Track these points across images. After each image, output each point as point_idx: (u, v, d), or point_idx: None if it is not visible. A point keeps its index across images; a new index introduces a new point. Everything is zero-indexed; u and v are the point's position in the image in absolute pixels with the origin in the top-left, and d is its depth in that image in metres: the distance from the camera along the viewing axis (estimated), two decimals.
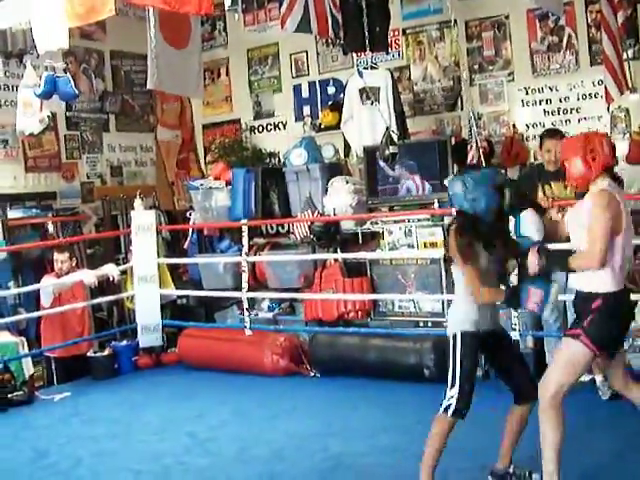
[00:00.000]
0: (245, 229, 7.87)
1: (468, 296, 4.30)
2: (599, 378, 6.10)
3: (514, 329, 6.46)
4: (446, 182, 4.86)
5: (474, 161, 7.27)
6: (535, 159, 7.93)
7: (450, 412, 4.22)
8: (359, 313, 7.56)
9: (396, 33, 8.81)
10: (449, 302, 6.92)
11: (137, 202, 8.56)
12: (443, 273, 7.03)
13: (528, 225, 4.36)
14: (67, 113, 9.51)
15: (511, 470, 4.46)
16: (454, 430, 4.22)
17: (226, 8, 6.29)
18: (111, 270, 8.09)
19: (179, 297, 8.98)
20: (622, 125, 7.85)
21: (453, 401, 4.22)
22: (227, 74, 10.33)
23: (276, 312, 8.30)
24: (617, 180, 4.30)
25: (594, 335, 4.13)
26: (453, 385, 4.24)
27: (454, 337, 4.33)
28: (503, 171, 6.47)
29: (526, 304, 4.14)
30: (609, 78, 7.26)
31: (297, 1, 6.90)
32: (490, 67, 8.50)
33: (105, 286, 8.42)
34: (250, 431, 5.95)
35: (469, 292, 4.27)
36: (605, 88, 7.37)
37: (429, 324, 7.26)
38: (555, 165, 6.26)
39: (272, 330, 7.96)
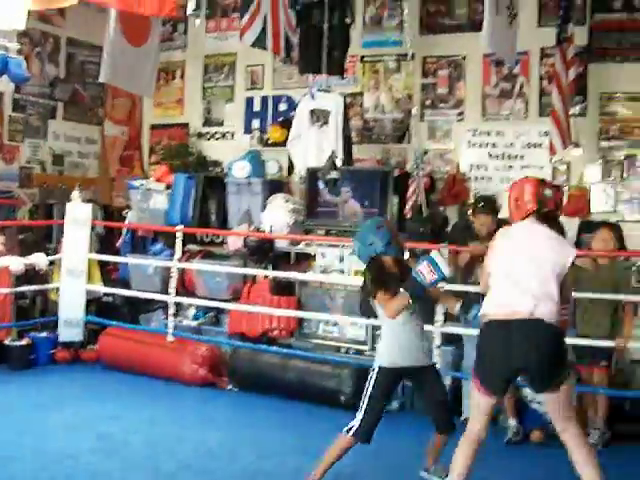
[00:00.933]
0: (180, 235, 7.82)
1: (389, 333, 4.66)
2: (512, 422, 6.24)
3: None
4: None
5: (414, 195, 7.37)
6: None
7: (351, 433, 4.63)
8: (283, 332, 7.57)
9: (354, 59, 8.87)
10: (374, 330, 7.06)
11: (75, 194, 8.44)
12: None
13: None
14: (15, 95, 9.38)
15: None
16: None
17: (188, 12, 6.28)
18: (40, 260, 7.98)
19: (106, 294, 8.86)
20: (562, 178, 8.02)
21: (356, 424, 4.63)
22: (182, 77, 10.30)
23: (201, 321, 8.25)
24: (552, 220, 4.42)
25: (475, 366, 4.27)
26: (360, 410, 4.65)
27: (373, 369, 4.69)
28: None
29: (426, 281, 4.36)
30: (555, 131, 7.40)
31: (258, 16, 7.04)
32: (442, 105, 8.61)
33: (32, 274, 8.26)
34: (161, 439, 5.87)
35: (390, 328, 4.62)
36: (550, 140, 7.51)
37: (350, 351, 7.31)
38: (486, 235, 6.27)
39: (194, 339, 7.90)
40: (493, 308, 4.19)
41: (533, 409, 6.56)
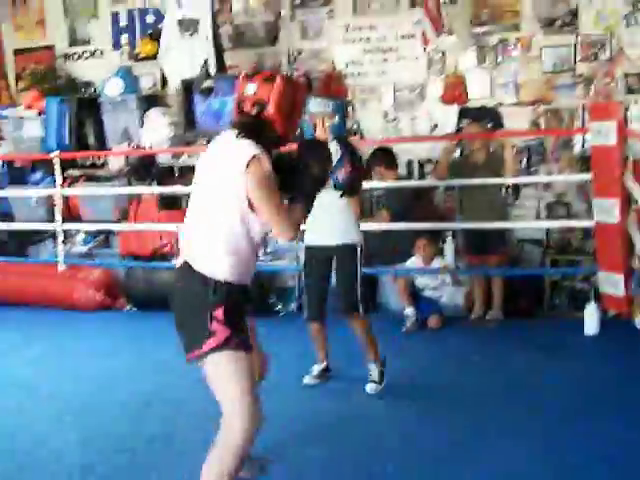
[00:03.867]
0: (57, 161, 7.61)
1: None
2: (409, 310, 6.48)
3: None
4: None
5: None
6: (353, 96, 8.13)
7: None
8: (174, 247, 7.53)
9: None
10: None
11: None
12: None
13: None
14: None
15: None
16: None
17: None
18: None
19: None
20: (438, 66, 8.08)
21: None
22: None
23: (91, 245, 8.11)
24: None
25: None
26: None
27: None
28: None
29: None
30: (426, 20, 7.43)
31: None
32: (311, 3, 8.49)
33: None
34: (67, 367, 5.81)
35: None
36: (423, 30, 7.53)
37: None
38: None
39: (87, 264, 7.79)
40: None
41: (427, 296, 6.78)
